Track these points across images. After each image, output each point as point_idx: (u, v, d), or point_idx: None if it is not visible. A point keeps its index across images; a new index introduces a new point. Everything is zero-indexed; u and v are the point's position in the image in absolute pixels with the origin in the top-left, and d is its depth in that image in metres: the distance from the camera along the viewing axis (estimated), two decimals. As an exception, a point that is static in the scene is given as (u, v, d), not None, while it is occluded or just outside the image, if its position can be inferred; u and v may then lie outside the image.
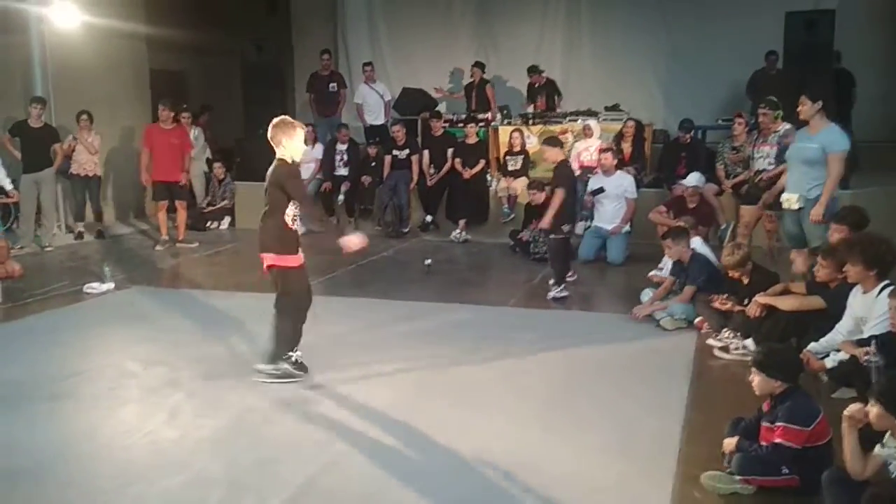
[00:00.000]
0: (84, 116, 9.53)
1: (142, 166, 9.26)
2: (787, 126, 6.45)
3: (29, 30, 9.65)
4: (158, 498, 3.26)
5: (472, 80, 11.23)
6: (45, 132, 9.03)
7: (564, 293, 6.52)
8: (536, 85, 10.99)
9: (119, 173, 11.33)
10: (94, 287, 6.85)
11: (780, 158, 6.37)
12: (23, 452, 3.68)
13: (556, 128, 9.99)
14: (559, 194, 6.44)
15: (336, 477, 3.43)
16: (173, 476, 3.44)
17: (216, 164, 10.87)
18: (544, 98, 10.92)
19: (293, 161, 4.57)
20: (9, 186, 8.51)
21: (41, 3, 9.48)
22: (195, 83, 13.69)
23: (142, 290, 7.07)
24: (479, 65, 11.16)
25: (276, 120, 4.59)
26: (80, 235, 9.71)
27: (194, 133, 10.81)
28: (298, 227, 4.64)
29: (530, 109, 10.80)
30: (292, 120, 4.62)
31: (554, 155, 6.62)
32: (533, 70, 10.95)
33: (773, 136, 6.51)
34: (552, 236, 6.59)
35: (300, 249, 4.63)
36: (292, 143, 4.50)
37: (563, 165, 6.73)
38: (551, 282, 6.58)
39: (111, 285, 6.92)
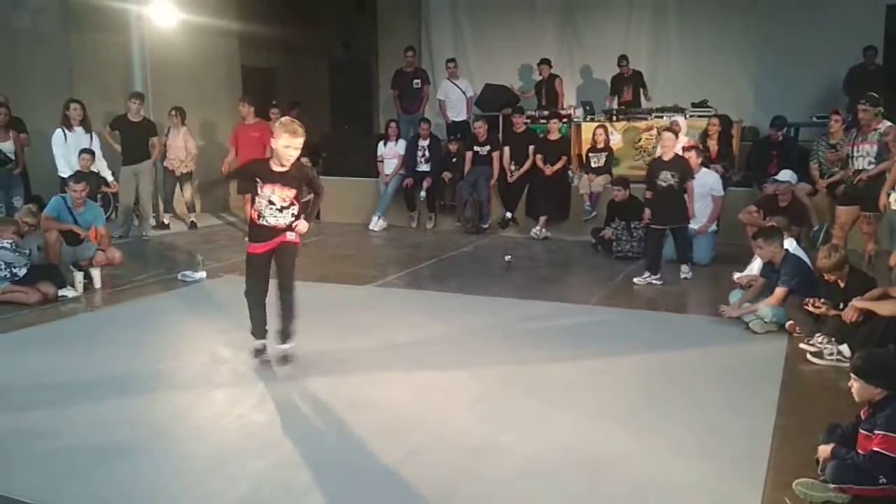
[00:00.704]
0: (173, 112, 9.90)
1: (224, 163, 9.56)
2: (889, 124, 6.18)
3: (129, 28, 10.13)
4: (249, 479, 3.36)
5: (541, 77, 11.15)
6: (143, 126, 9.45)
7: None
8: (625, 75, 10.82)
9: (211, 167, 11.72)
10: (188, 275, 7.13)
11: (880, 157, 6.12)
12: (120, 431, 3.85)
13: (642, 124, 9.83)
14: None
15: (419, 465, 3.47)
16: (263, 458, 3.55)
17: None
18: (631, 89, 10.73)
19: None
20: (110, 178, 8.96)
21: (141, 2, 9.93)
22: (284, 80, 14.05)
23: (233, 279, 7.30)
24: (546, 61, 11.08)
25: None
26: (166, 226, 10.09)
27: None
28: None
29: (613, 104, 10.63)
30: (287, 122, 4.61)
31: (674, 145, 7.03)
32: (623, 59, 10.81)
33: (874, 134, 6.26)
34: (682, 225, 7.08)
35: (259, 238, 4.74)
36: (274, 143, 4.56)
37: (682, 158, 7.17)
38: (683, 266, 7.10)
39: (203, 274, 7.19)
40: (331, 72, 11.53)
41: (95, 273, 6.79)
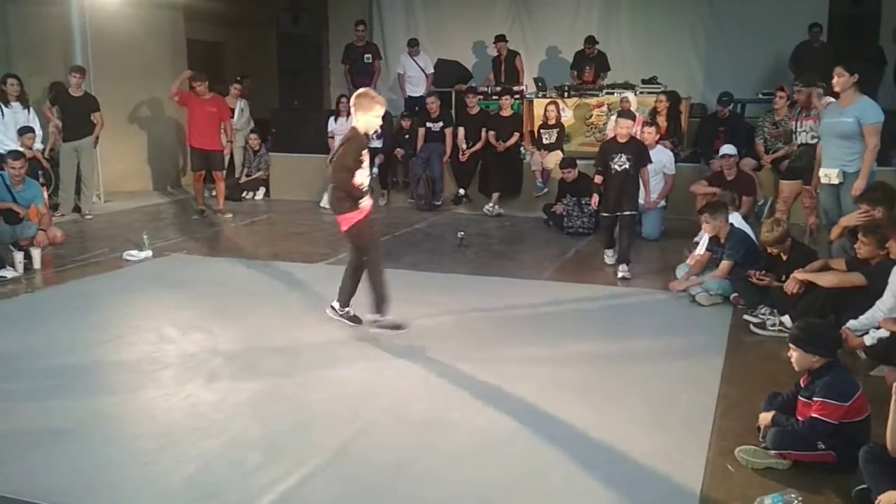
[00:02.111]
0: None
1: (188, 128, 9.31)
2: (832, 100, 6.32)
3: (69, 1, 9.76)
4: (198, 458, 3.33)
5: (497, 54, 11.12)
6: (84, 101, 9.16)
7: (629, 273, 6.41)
8: (589, 56, 10.84)
9: (156, 143, 11.47)
10: (133, 255, 6.97)
11: None
12: (66, 413, 3.78)
13: (593, 100, 9.88)
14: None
15: (369, 444, 3.48)
16: (212, 438, 3.52)
17: (251, 136, 10.95)
18: (593, 70, 10.76)
19: (364, 133, 4.84)
20: (38, 145, 8.63)
21: (81, -27, 9.58)
22: (231, 54, 13.76)
23: (179, 258, 7.18)
24: (502, 38, 11.02)
25: (359, 91, 4.90)
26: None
27: (240, 105, 10.89)
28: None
29: (574, 81, 10.63)
30: (374, 94, 4.87)
31: (630, 130, 6.64)
32: (589, 41, 10.80)
33: (816, 111, 6.39)
34: (633, 213, 6.56)
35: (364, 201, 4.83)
36: (366, 117, 4.75)
37: (638, 141, 6.85)
38: (621, 264, 6.43)
39: (149, 253, 7.04)
40: (279, 45, 11.25)
41: (36, 253, 6.59)
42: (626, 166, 6.39)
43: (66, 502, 2.99)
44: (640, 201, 7.63)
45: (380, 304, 4.89)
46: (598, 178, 6.60)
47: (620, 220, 6.44)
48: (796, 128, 6.69)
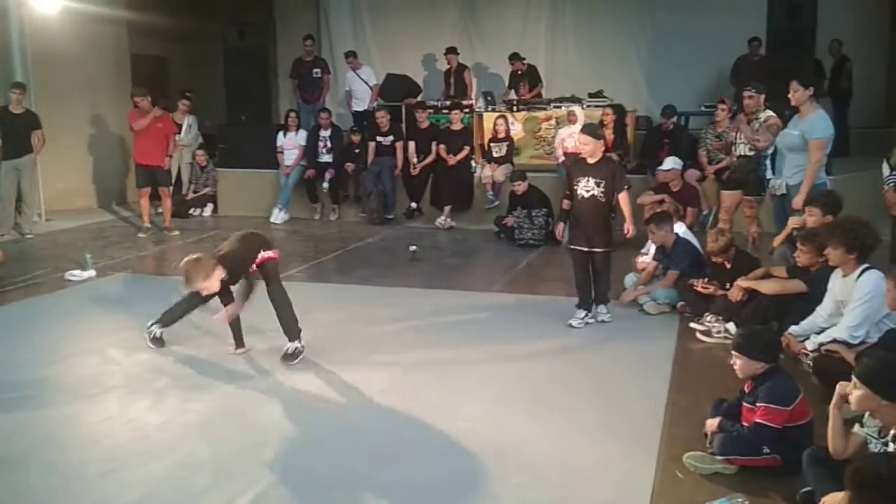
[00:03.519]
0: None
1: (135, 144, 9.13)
2: (770, 113, 6.50)
3: (8, 15, 9.52)
4: (143, 482, 3.25)
5: (448, 66, 11.19)
6: (25, 118, 8.91)
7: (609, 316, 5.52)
8: (519, 72, 10.96)
9: (100, 160, 11.22)
10: (76, 274, 6.80)
11: (753, 145, 6.42)
12: (5, 440, 3.66)
13: (541, 114, 10.00)
14: (627, 196, 5.40)
15: (321, 461, 3.44)
16: (158, 461, 3.44)
17: (198, 152, 10.79)
18: (527, 85, 10.88)
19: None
20: None
21: (20, -13, 9.35)
22: (177, 69, 13.55)
23: (124, 277, 7.02)
24: (453, 50, 11.08)
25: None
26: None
27: (188, 121, 10.73)
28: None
29: (512, 96, 10.75)
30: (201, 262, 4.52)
31: (593, 149, 5.30)
32: (514, 57, 10.90)
33: (756, 123, 6.53)
34: (607, 249, 5.38)
35: None
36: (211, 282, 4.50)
37: (611, 160, 5.69)
38: (601, 307, 5.52)
39: (93, 273, 6.87)
40: (226, 60, 11.13)
41: (-26, 274, 6.39)
42: (595, 192, 5.26)
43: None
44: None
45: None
46: (565, 203, 5.53)
47: (593, 259, 5.39)
48: (735, 139, 6.86)
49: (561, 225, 5.87)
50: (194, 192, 10.72)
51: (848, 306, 4.21)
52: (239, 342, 4.82)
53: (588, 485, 3.21)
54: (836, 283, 4.38)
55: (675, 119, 9.30)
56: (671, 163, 7.93)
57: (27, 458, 3.49)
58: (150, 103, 8.97)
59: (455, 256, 8.11)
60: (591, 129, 5.52)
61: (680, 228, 6.04)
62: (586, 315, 5.42)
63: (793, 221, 5.42)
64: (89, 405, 4.09)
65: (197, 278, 4.41)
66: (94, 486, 3.23)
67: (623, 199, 5.37)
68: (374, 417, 3.92)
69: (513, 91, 10.89)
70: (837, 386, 2.92)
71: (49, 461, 3.47)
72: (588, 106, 9.91)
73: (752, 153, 6.55)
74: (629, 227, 5.33)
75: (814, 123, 5.70)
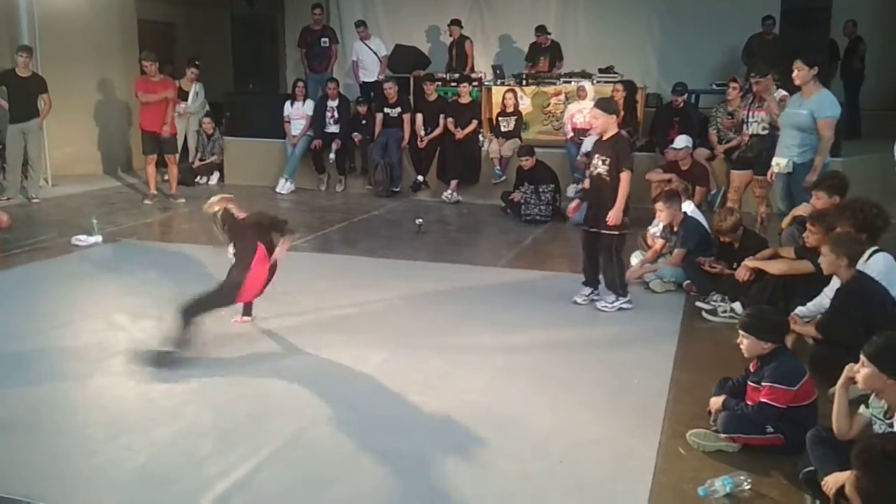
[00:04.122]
0: None
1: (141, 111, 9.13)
2: (784, 92, 6.44)
3: (14, -23, 9.45)
4: (150, 447, 3.27)
5: (451, 38, 11.08)
6: (32, 81, 8.87)
7: (628, 304, 5.22)
8: (542, 45, 10.84)
9: (106, 125, 11.19)
10: (82, 239, 6.80)
11: (775, 124, 6.38)
12: (13, 403, 3.68)
13: (550, 89, 9.92)
14: (628, 178, 5.00)
15: (322, 430, 3.46)
16: (164, 426, 3.46)
17: (205, 119, 10.74)
18: (547, 60, 10.77)
19: None
20: None
21: (26, -51, 9.27)
22: (184, 35, 13.45)
23: (129, 243, 7.02)
24: (456, 22, 11.00)
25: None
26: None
27: (195, 88, 10.67)
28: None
29: (528, 70, 10.64)
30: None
31: (604, 122, 5.10)
32: (540, 30, 10.80)
33: (767, 102, 6.49)
34: (612, 231, 5.07)
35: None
36: None
37: (621, 138, 5.28)
38: (607, 295, 5.24)
39: (99, 238, 6.88)
40: (234, 27, 11.02)
41: (-20, 237, 6.40)
42: (601, 170, 5.09)
43: (18, 493, 2.91)
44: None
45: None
46: (585, 182, 5.51)
47: (599, 240, 5.17)
48: (747, 118, 6.80)
49: (575, 202, 5.77)
50: (201, 159, 10.69)
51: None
52: (246, 311, 4.81)
53: (590, 459, 3.22)
54: (845, 265, 4.34)
55: (685, 97, 9.21)
56: (683, 141, 7.87)
57: (36, 420, 3.51)
58: (156, 69, 8.94)
59: (461, 231, 8.09)
60: (603, 104, 5.31)
61: (688, 207, 6.01)
62: (592, 292, 5.34)
63: (800, 209, 5.39)
64: (95, 370, 4.10)
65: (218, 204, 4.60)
66: (100, 449, 3.25)
67: (622, 179, 5.00)
68: (377, 388, 3.93)
69: (532, 65, 10.78)
70: (846, 368, 2.92)
71: (53, 425, 3.49)
72: (598, 82, 9.81)
73: (764, 132, 6.50)
74: (612, 215, 4.97)
75: (822, 102, 5.70)
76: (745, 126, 6.89)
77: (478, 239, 7.86)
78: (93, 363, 4.19)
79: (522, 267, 6.42)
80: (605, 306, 5.21)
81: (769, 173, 6.15)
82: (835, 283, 4.36)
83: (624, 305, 5.20)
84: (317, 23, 11.03)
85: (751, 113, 6.70)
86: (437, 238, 7.54)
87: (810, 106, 5.68)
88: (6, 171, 8.95)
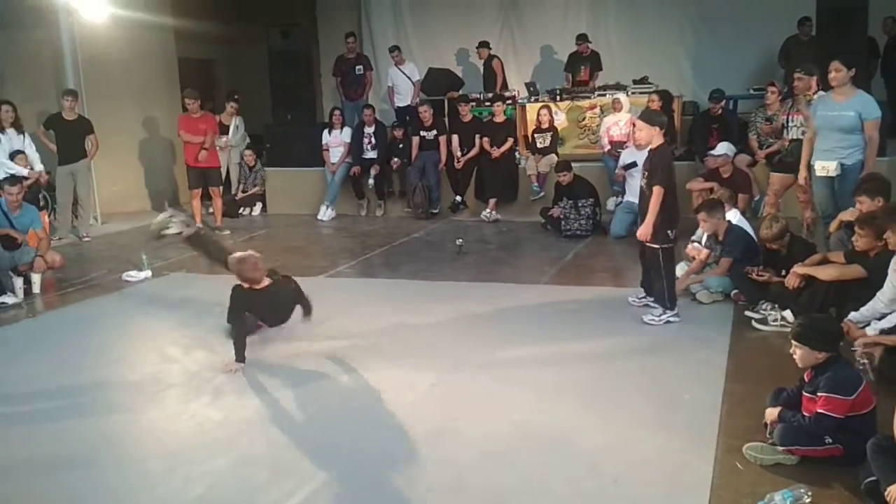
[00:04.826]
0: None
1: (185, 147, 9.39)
2: (822, 93, 6.34)
3: (58, 24, 9.80)
4: (206, 478, 3.33)
5: (481, 60, 11.16)
6: (78, 124, 9.16)
7: (675, 318, 5.15)
8: (583, 54, 10.85)
9: (151, 163, 11.49)
10: (133, 275, 6.97)
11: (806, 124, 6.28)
12: (72, 439, 3.77)
13: (585, 103, 9.90)
14: (659, 194, 4.96)
15: (376, 456, 3.47)
16: (219, 457, 3.51)
17: (246, 152, 10.97)
18: (588, 69, 10.77)
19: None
20: (38, 167, 8.64)
21: (69, -4, 9.60)
22: (223, 71, 13.80)
23: (179, 277, 7.18)
24: (485, 44, 11.08)
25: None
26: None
27: (236, 122, 10.92)
28: None
29: (566, 84, 10.64)
30: (239, 258, 4.82)
31: (647, 135, 5.11)
32: (581, 38, 10.81)
33: (808, 105, 6.39)
34: (653, 245, 5.12)
35: None
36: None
37: (666, 150, 5.19)
38: (653, 308, 5.26)
39: (148, 273, 7.04)
40: (270, 61, 11.31)
41: (35, 278, 6.59)
42: (643, 183, 5.19)
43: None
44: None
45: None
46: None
47: (646, 252, 5.27)
48: (787, 122, 6.70)
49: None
50: (243, 191, 10.90)
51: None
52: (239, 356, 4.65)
53: (645, 477, 3.18)
54: (898, 268, 4.25)
55: (723, 103, 9.12)
56: (724, 148, 7.78)
57: (90, 458, 3.58)
58: (198, 106, 9.19)
59: (502, 249, 8.09)
60: (646, 115, 5.31)
61: (734, 216, 5.93)
62: (646, 297, 5.45)
63: (847, 213, 5.29)
64: (150, 403, 4.19)
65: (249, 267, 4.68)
66: (158, 483, 3.31)
67: (654, 193, 4.97)
68: (426, 412, 3.94)
69: (571, 75, 10.76)
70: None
71: (112, 460, 3.56)
72: (633, 93, 9.77)
73: (803, 136, 6.40)
74: (642, 231, 5.06)
75: (866, 103, 5.66)
76: (784, 130, 6.80)
77: (519, 257, 7.85)
78: (148, 396, 4.28)
79: (565, 283, 6.40)
80: (652, 319, 5.16)
81: (801, 177, 6.05)
82: (887, 288, 4.27)
83: (671, 319, 5.15)
84: (351, 51, 11.21)
85: (790, 117, 6.63)
86: (478, 258, 7.56)
87: (855, 107, 5.60)
88: (57, 211, 9.23)
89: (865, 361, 3.88)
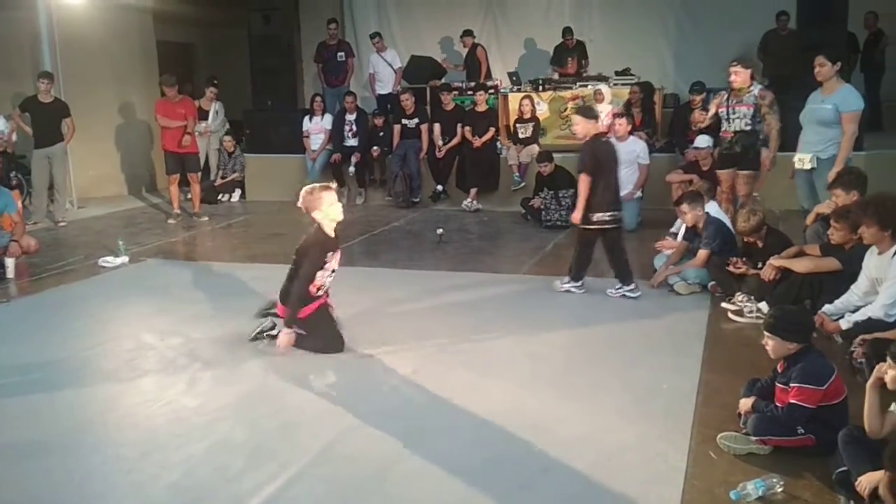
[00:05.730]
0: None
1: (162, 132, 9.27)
2: (760, 85, 6.38)
3: (36, 5, 9.64)
4: (182, 464, 3.31)
5: (465, 48, 11.14)
6: (54, 107, 9.03)
7: (579, 288, 5.70)
8: (569, 47, 10.86)
9: (129, 147, 11.36)
10: (109, 261, 6.90)
11: (756, 118, 6.23)
12: (47, 424, 3.74)
13: (567, 93, 9.92)
14: (584, 181, 5.37)
15: (355, 442, 3.48)
16: (196, 443, 3.50)
17: (225, 138, 10.88)
18: (575, 60, 10.78)
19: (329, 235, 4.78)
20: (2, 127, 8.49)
21: (47, -23, 9.45)
22: (202, 55, 13.64)
23: (155, 262, 7.11)
24: (469, 32, 11.07)
25: (303, 191, 4.81)
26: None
27: (215, 107, 10.81)
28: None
29: (554, 75, 10.64)
30: (314, 187, 4.88)
31: (583, 128, 5.46)
32: (567, 32, 10.86)
33: (749, 97, 6.30)
34: (582, 226, 5.56)
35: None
36: (324, 212, 4.79)
37: (594, 143, 5.48)
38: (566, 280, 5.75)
39: (125, 259, 6.97)
40: (251, 45, 11.17)
41: (9, 263, 6.50)
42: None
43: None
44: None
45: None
46: None
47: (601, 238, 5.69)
48: (728, 114, 6.45)
49: None
50: (222, 177, 10.81)
51: (884, 284, 4.15)
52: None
53: (620, 465, 3.21)
54: (872, 261, 4.31)
55: (703, 96, 9.16)
56: (704, 141, 7.82)
57: (68, 440, 3.56)
58: (176, 91, 9.07)
59: (482, 239, 8.10)
60: (583, 110, 5.71)
61: (711, 208, 5.97)
62: (619, 286, 5.68)
63: (823, 206, 5.34)
64: (126, 389, 4.16)
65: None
66: (133, 468, 3.29)
67: (579, 181, 5.49)
68: (405, 399, 3.95)
69: (560, 67, 10.78)
70: (876, 368, 2.89)
71: (89, 444, 3.54)
72: (615, 84, 9.80)
73: (748, 128, 6.30)
74: (575, 215, 5.56)
75: (846, 96, 5.68)
76: (724, 122, 6.63)
77: (499, 247, 7.86)
78: (124, 382, 4.24)
79: (545, 273, 6.41)
80: (611, 291, 5.62)
81: (765, 165, 6.09)
82: (861, 281, 4.33)
83: (573, 289, 5.71)
84: (332, 37, 11.14)
85: (732, 108, 6.46)
86: (458, 247, 7.56)
87: (834, 100, 5.64)
88: (32, 195, 9.12)
89: (863, 361, 3.87)
